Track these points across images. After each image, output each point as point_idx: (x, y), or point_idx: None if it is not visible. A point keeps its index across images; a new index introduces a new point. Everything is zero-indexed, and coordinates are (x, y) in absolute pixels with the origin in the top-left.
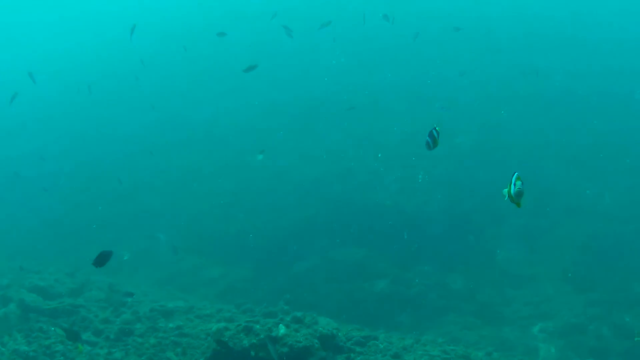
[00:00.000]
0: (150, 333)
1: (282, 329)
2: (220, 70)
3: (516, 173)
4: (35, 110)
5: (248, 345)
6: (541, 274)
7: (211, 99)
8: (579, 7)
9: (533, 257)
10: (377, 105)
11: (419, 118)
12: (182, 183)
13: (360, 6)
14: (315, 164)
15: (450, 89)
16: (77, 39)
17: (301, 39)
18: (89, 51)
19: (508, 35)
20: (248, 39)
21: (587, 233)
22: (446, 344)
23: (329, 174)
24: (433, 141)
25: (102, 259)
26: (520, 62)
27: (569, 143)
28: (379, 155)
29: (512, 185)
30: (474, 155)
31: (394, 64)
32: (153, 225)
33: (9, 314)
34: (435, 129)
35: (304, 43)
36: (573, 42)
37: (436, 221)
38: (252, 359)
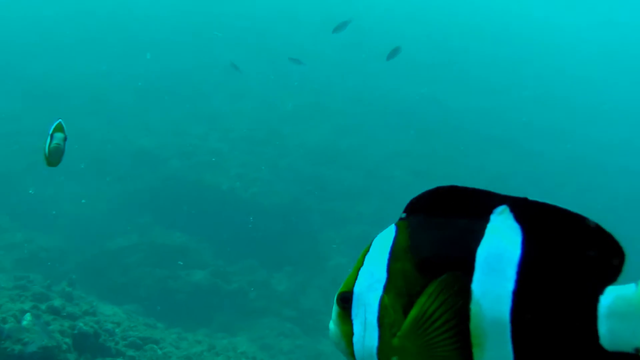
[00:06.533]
0: None
1: (26, 320)
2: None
3: None
4: None
5: None
6: None
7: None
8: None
9: None
10: (231, 85)
11: (274, 101)
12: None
13: None
14: (155, 137)
15: (320, 82)
16: None
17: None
18: None
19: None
20: None
21: None
22: (244, 356)
23: (168, 149)
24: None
25: None
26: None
27: (423, 154)
28: (225, 136)
29: None
30: (324, 153)
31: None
32: None
33: None
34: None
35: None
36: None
37: (271, 215)
38: None
